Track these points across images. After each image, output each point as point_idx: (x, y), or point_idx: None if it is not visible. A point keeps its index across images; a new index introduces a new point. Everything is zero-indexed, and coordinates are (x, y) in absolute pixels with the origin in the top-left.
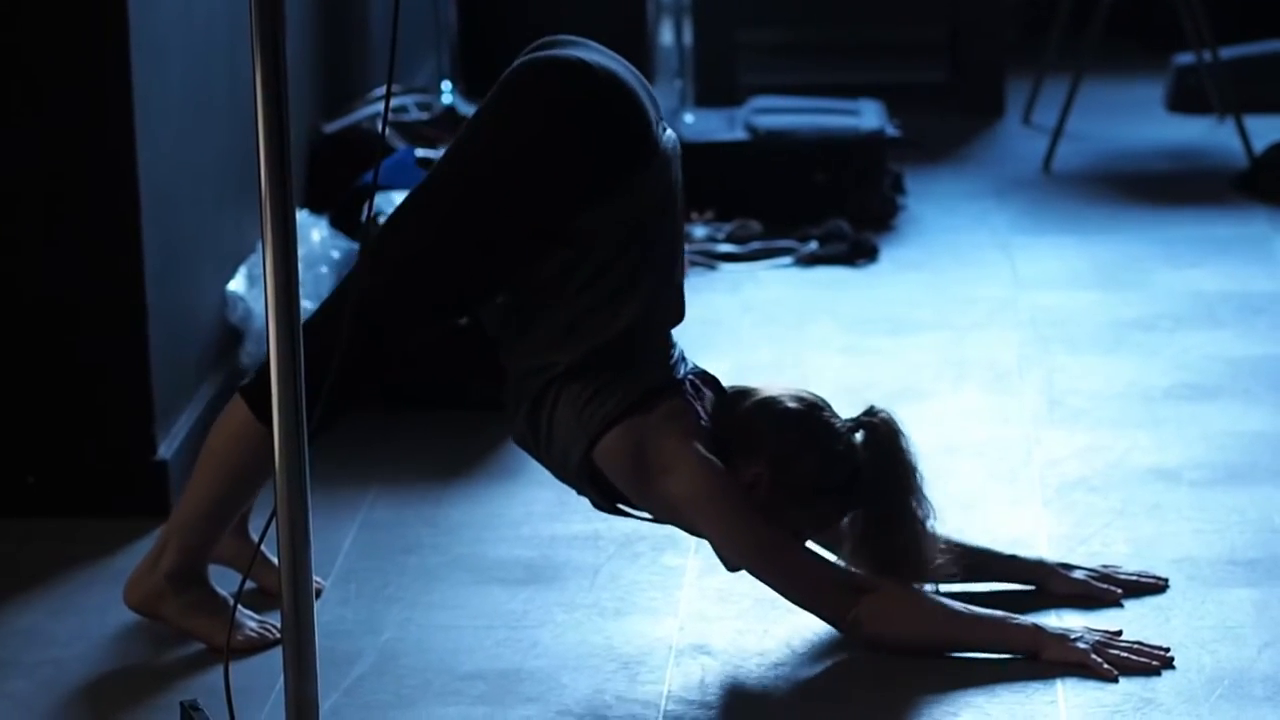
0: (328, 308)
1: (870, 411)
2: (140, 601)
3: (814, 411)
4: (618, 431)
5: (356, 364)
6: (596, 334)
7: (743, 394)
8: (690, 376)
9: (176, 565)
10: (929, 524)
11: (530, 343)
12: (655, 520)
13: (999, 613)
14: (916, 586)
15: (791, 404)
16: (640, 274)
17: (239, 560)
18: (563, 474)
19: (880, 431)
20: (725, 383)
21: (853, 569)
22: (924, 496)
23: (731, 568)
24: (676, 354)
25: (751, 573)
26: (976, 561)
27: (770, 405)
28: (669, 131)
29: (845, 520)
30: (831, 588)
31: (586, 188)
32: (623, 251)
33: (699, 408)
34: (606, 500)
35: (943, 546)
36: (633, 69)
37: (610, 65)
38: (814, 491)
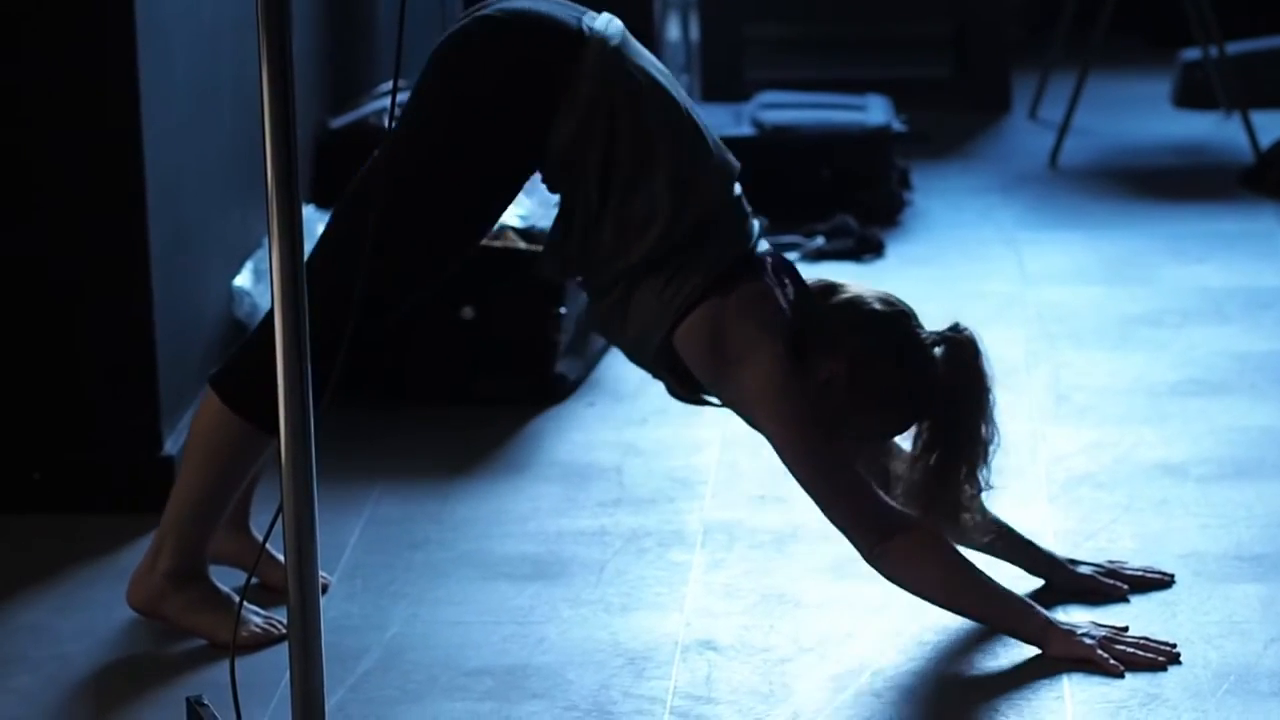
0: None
1: (955, 328)
2: (142, 602)
3: (901, 318)
4: (696, 315)
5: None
6: (649, 228)
7: (831, 289)
8: (768, 256)
9: (174, 564)
10: (993, 449)
11: (595, 260)
12: (726, 406)
13: (1018, 595)
14: (950, 540)
15: (879, 306)
16: (650, 159)
17: (242, 558)
18: (641, 360)
19: (963, 348)
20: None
21: (896, 506)
22: (994, 421)
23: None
24: (754, 224)
25: (798, 479)
26: (1000, 535)
27: (858, 304)
28: (601, 19)
29: (907, 436)
30: (871, 515)
31: (525, 120)
32: (614, 145)
33: (780, 295)
34: (684, 388)
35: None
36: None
37: (515, 5)
38: (887, 397)
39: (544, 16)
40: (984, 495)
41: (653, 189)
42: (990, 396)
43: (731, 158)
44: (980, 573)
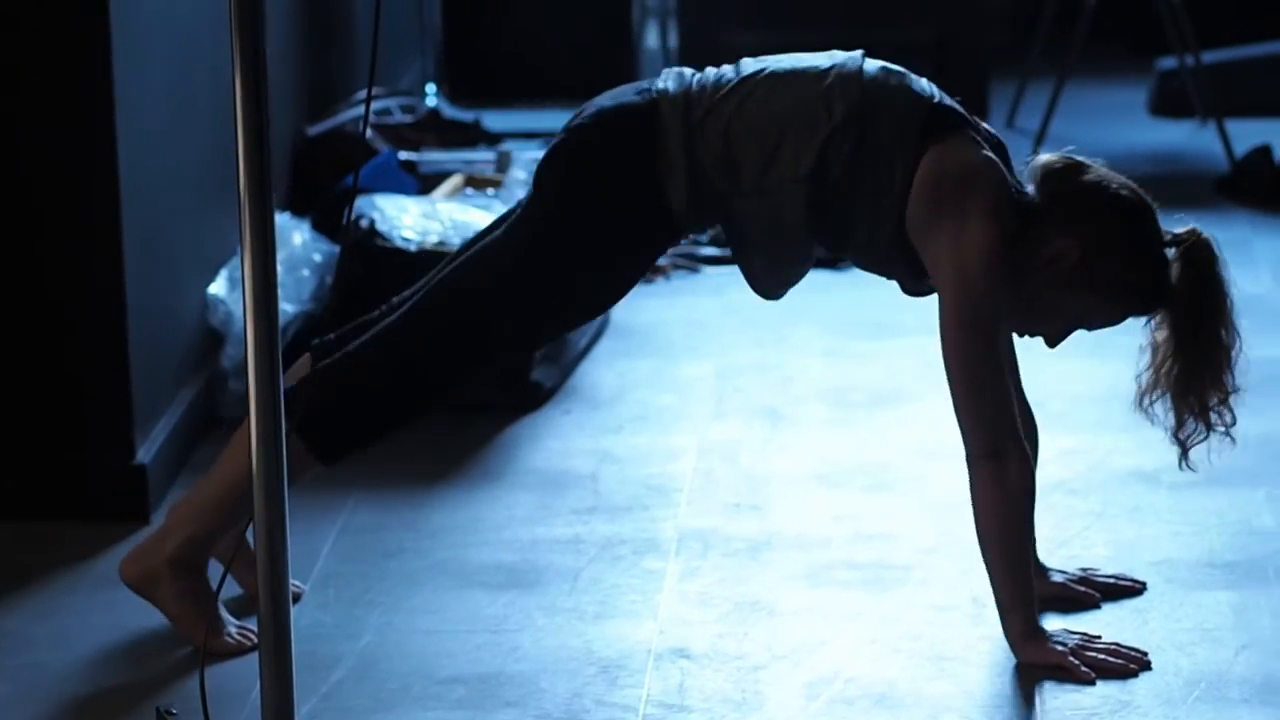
0: (394, 339)
1: (1191, 231)
2: (136, 578)
3: (1144, 212)
4: (919, 173)
5: (415, 397)
6: (802, 162)
7: (1078, 167)
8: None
9: (179, 551)
10: (1235, 353)
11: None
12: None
13: (1032, 587)
14: (1028, 494)
15: (1126, 194)
16: (771, 144)
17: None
18: (868, 256)
19: (1199, 251)
20: (710, 386)
21: (1018, 429)
22: (1234, 326)
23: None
24: (922, 83)
25: (946, 359)
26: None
27: (1107, 188)
28: (666, 75)
29: (1157, 343)
30: (990, 427)
31: (642, 206)
32: (735, 173)
33: (991, 154)
34: (915, 280)
35: None
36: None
37: (596, 105)
38: (1112, 289)
39: (617, 106)
40: (1231, 398)
41: (793, 149)
42: (1229, 301)
43: (846, 58)
44: (1029, 539)
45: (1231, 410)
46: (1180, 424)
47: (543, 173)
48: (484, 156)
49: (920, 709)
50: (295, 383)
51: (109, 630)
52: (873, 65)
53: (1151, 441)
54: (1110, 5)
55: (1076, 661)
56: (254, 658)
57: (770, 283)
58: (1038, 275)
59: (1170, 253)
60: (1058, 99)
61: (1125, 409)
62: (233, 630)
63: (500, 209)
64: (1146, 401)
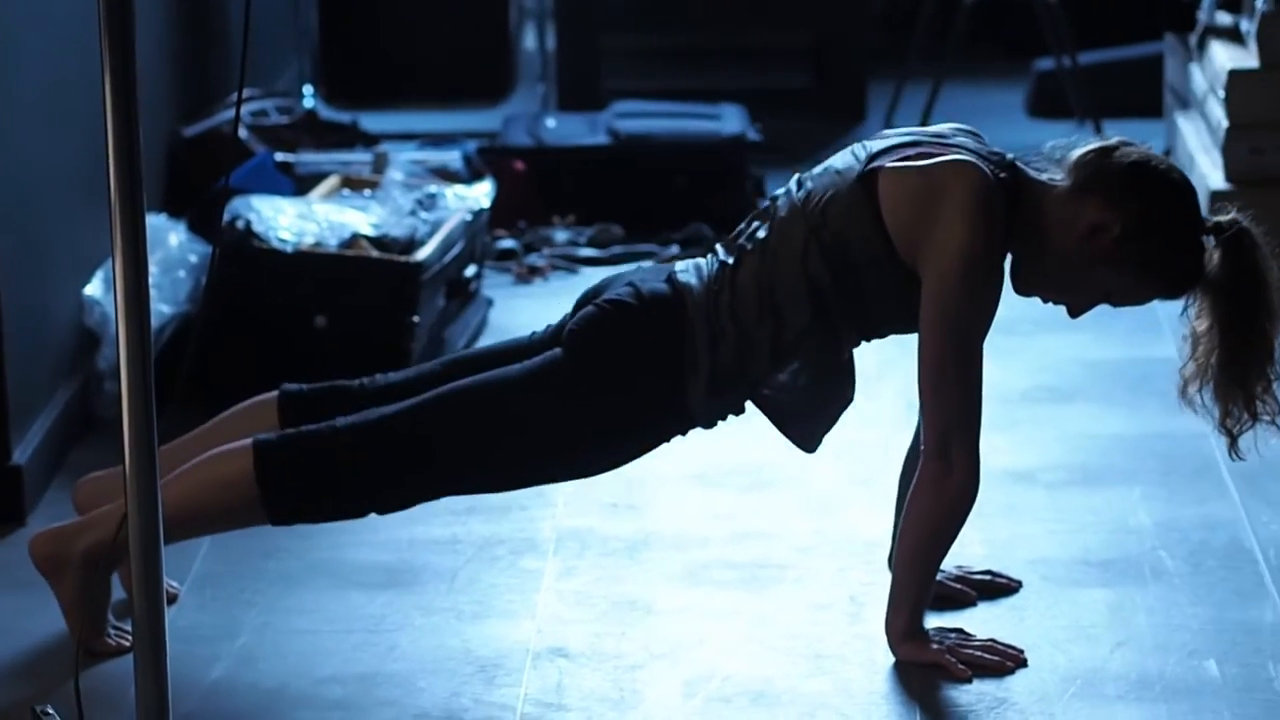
0: (389, 441)
1: (1234, 219)
2: (45, 557)
3: (1187, 193)
4: (881, 189)
5: (387, 501)
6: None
7: (1123, 143)
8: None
9: (96, 547)
10: (1279, 341)
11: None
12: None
13: (929, 592)
14: (960, 506)
15: (1176, 175)
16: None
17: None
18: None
19: (1239, 238)
20: None
21: (976, 433)
22: (1277, 315)
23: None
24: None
25: (920, 349)
26: None
27: (1156, 167)
28: (676, 267)
29: (1198, 333)
30: (950, 423)
31: (670, 393)
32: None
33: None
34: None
35: None
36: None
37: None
38: (1147, 268)
39: (644, 296)
40: (1276, 386)
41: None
42: (1271, 290)
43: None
44: (946, 547)
45: (1276, 398)
46: (1226, 413)
47: (584, 338)
48: (361, 158)
49: (797, 706)
50: (276, 436)
51: None
52: (803, 179)
53: (1027, 441)
54: (987, 6)
55: (953, 659)
56: (131, 659)
57: (820, 428)
58: (1074, 247)
59: (1210, 240)
60: (935, 100)
61: (1001, 408)
62: (111, 632)
63: (378, 212)
64: (1191, 391)
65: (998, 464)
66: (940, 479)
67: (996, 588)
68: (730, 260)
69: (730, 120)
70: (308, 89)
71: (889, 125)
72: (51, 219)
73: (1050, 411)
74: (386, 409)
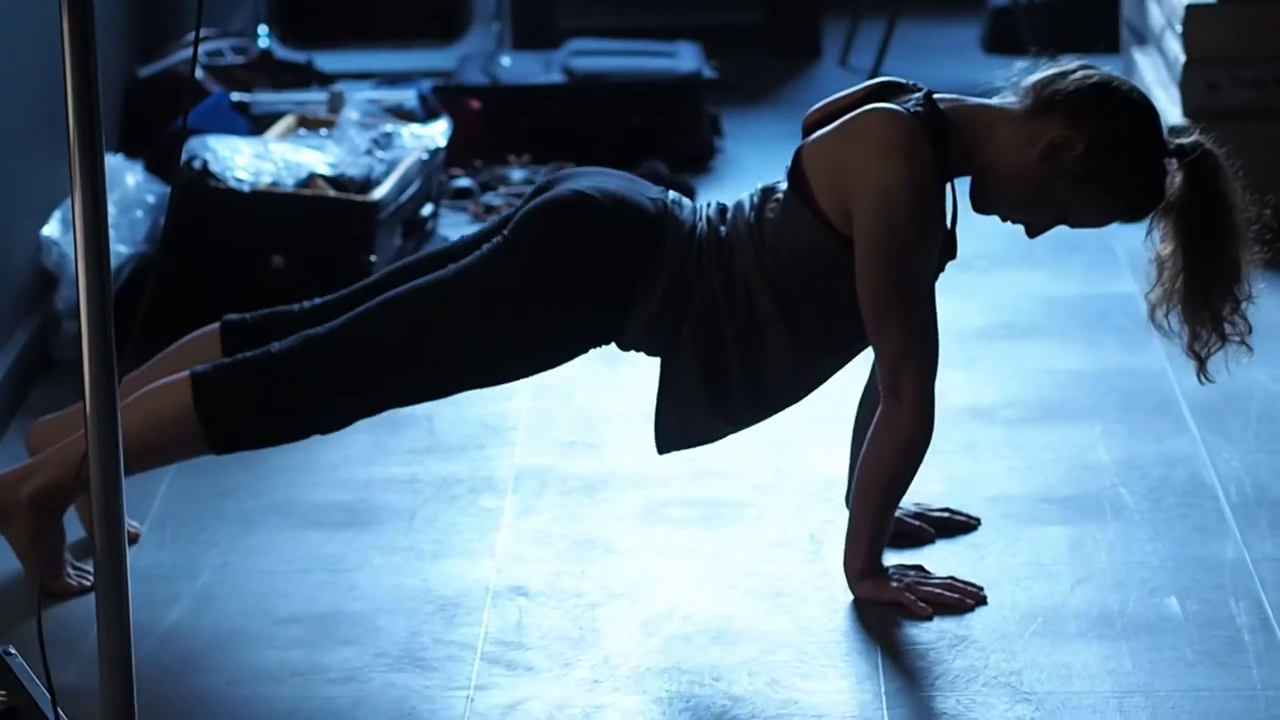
0: (320, 357)
1: (1196, 142)
2: None
3: (1151, 114)
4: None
5: (323, 419)
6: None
7: (1085, 66)
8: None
9: (41, 490)
10: (1245, 267)
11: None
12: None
13: (886, 530)
14: (913, 444)
15: (1136, 95)
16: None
17: (83, 507)
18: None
19: (1202, 161)
20: None
21: (929, 376)
22: (1242, 236)
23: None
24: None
25: (859, 293)
26: None
27: (1117, 88)
28: (670, 195)
29: (1162, 257)
30: (896, 362)
31: (615, 299)
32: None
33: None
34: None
35: None
36: (614, 174)
37: (598, 183)
38: (1109, 185)
39: (625, 201)
40: (1244, 305)
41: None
42: (1235, 212)
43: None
44: (902, 485)
45: (1245, 319)
46: (1195, 336)
47: (531, 222)
48: (316, 97)
49: (757, 644)
50: (212, 366)
51: None
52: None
53: (985, 378)
54: None
55: (913, 597)
56: (92, 598)
57: (790, 395)
58: (1033, 166)
59: (1172, 163)
60: (890, 37)
61: (959, 345)
62: (71, 572)
63: (334, 151)
64: (1159, 315)
65: (956, 401)
66: (892, 419)
67: (955, 525)
68: (722, 229)
69: (686, 58)
70: (263, 28)
71: (844, 63)
72: (7, 160)
73: (1008, 348)
74: (319, 328)
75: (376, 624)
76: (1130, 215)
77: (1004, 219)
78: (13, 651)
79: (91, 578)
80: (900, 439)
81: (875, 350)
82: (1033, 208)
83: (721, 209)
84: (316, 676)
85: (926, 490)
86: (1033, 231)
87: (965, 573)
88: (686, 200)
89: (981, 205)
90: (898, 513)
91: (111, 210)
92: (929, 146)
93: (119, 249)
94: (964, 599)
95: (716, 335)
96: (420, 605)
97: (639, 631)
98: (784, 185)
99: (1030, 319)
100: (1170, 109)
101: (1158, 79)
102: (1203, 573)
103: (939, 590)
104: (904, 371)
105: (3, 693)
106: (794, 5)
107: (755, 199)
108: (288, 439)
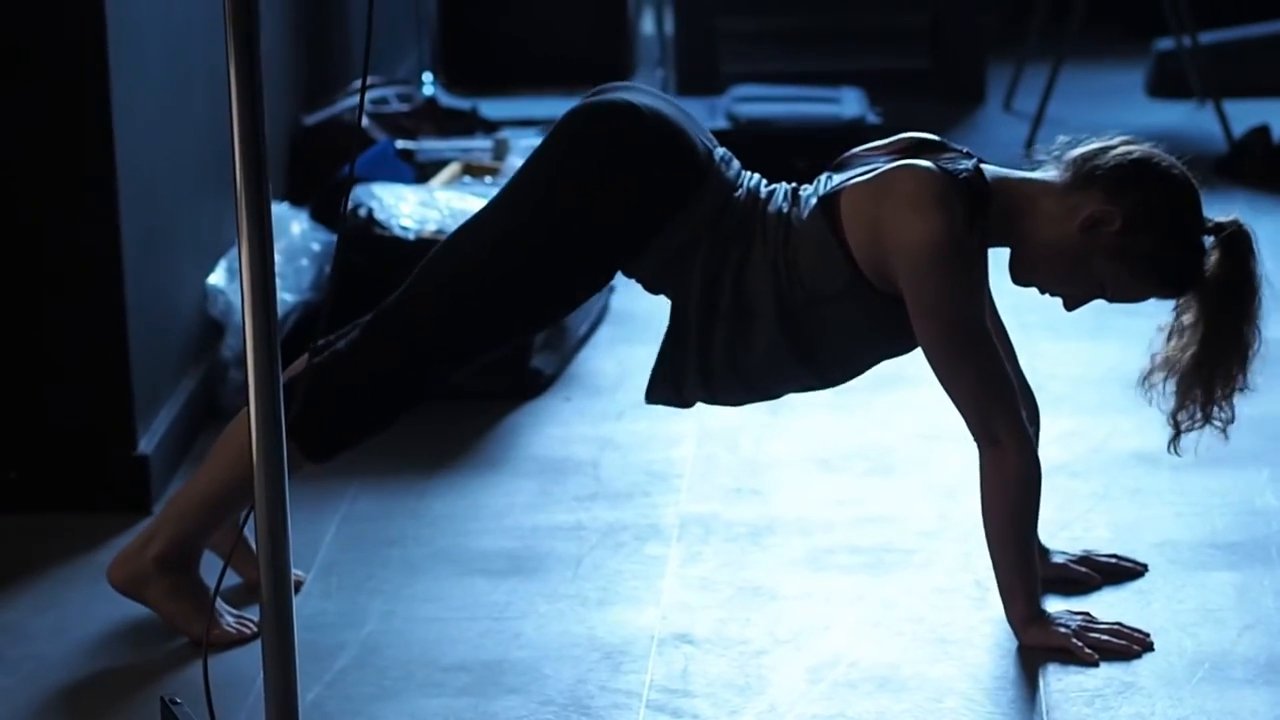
0: (373, 334)
1: (1234, 220)
2: (124, 581)
3: (1192, 192)
4: (845, 209)
5: (397, 392)
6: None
7: (1128, 140)
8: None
9: (166, 550)
10: (1253, 353)
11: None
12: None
13: (1035, 571)
14: (1028, 481)
15: (1176, 172)
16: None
17: (225, 551)
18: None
19: (1238, 242)
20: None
21: (1020, 414)
22: (1257, 324)
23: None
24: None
25: (923, 348)
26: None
27: (1157, 165)
28: (720, 151)
29: (1182, 327)
30: (983, 407)
31: (640, 227)
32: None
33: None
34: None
35: None
36: (677, 104)
37: (655, 104)
38: (1146, 261)
39: (676, 129)
40: (1237, 394)
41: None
42: (1258, 297)
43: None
44: (1031, 525)
45: (1233, 407)
46: (1181, 407)
47: (569, 130)
48: (481, 144)
49: (923, 691)
50: (287, 380)
51: (110, 622)
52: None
53: (1152, 423)
54: None
55: (1080, 643)
56: (257, 647)
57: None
58: (1071, 239)
59: (1208, 240)
60: (1055, 81)
61: (1125, 391)
62: (230, 620)
63: None
64: (1156, 378)
65: (1122, 447)
66: (998, 462)
67: (1122, 571)
68: (759, 208)
69: (850, 103)
70: (427, 76)
71: (1008, 107)
72: (174, 209)
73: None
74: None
75: (542, 671)
76: (1168, 291)
77: (1042, 291)
78: (179, 701)
79: (252, 625)
80: (1014, 479)
81: (955, 403)
82: (1071, 281)
83: (761, 185)
84: None
85: (1093, 536)
86: (1071, 304)
87: (1132, 618)
88: (736, 161)
89: (1021, 277)
90: (1063, 559)
91: (277, 258)
92: (963, 206)
93: (284, 297)
94: (1131, 645)
95: (714, 301)
96: (586, 653)
97: (804, 679)
98: (812, 198)
99: None
100: None
101: None
102: None
103: (1106, 636)
104: (992, 415)
105: None
106: (959, 50)
107: (787, 198)
108: (376, 424)
